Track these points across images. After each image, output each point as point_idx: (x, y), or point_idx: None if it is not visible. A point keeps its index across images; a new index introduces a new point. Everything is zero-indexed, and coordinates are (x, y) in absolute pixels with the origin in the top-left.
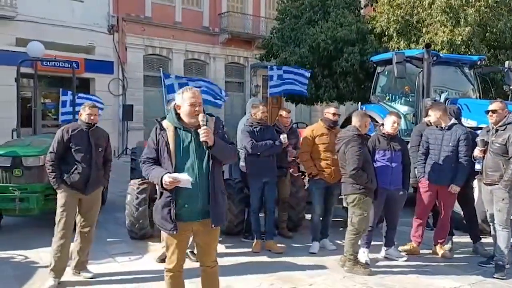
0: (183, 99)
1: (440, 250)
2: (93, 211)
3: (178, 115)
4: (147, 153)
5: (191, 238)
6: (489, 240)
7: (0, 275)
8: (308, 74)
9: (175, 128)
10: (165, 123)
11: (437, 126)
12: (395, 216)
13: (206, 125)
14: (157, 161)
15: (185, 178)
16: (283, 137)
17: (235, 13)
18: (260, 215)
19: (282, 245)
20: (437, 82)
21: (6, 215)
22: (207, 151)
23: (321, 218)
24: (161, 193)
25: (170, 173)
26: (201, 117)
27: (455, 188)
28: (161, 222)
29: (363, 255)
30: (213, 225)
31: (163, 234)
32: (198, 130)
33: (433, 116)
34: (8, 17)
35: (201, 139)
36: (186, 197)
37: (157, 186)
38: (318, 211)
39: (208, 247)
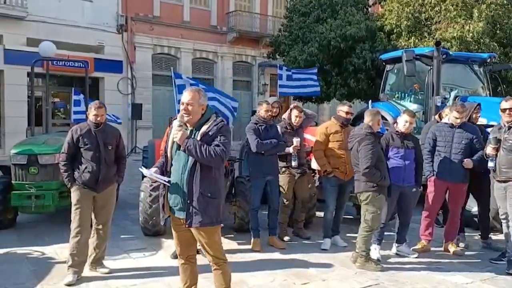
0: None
1: (451, 247)
2: (107, 208)
3: None
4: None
5: None
6: (499, 237)
7: (19, 271)
8: (315, 71)
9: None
10: (174, 122)
11: (453, 125)
12: (408, 213)
13: (181, 125)
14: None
15: (156, 177)
16: (297, 140)
17: (242, 12)
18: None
19: (294, 242)
20: (447, 80)
21: (22, 212)
22: (184, 152)
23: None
24: None
25: (158, 167)
26: (178, 116)
27: (468, 162)
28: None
29: (375, 251)
30: (186, 225)
31: None
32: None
33: (451, 117)
34: (19, 17)
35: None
36: (172, 192)
37: None
38: (331, 208)
39: (204, 246)
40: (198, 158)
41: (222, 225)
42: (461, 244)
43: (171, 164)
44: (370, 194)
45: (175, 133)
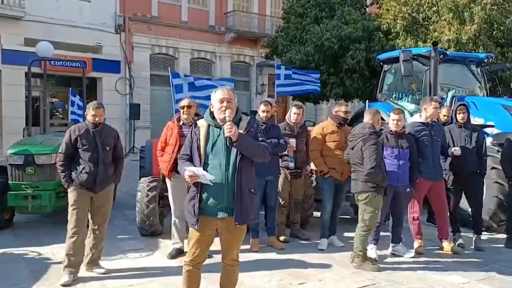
0: (214, 97)
1: (448, 245)
2: (104, 208)
3: (212, 114)
4: (183, 150)
5: None
6: (496, 236)
7: (15, 271)
8: (318, 76)
9: (208, 126)
10: (200, 121)
11: (428, 124)
12: (402, 212)
13: (231, 121)
14: (191, 158)
15: (202, 174)
16: (292, 141)
17: (241, 12)
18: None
19: (291, 242)
20: (444, 80)
21: (19, 212)
22: (236, 148)
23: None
24: (189, 187)
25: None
26: (227, 113)
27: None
28: (186, 215)
29: (371, 251)
30: (236, 223)
31: (174, 231)
32: (223, 126)
33: (432, 110)
34: (17, 17)
35: (225, 135)
36: (211, 192)
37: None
38: (328, 208)
39: (229, 245)
40: (251, 153)
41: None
42: (459, 243)
43: (206, 163)
44: (369, 195)
45: (229, 128)
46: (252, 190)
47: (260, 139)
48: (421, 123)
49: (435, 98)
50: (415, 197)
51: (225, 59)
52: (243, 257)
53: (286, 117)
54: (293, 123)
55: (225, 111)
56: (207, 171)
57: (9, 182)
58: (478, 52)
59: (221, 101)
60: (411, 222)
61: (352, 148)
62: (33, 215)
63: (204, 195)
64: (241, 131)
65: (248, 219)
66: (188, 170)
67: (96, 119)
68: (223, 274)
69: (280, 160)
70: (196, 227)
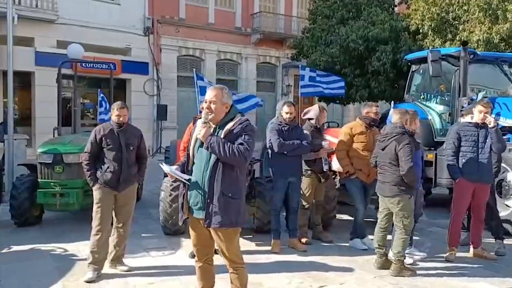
0: None
1: (485, 252)
2: (128, 207)
3: None
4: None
5: None
6: None
7: (42, 267)
8: (343, 82)
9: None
10: (199, 120)
11: (478, 125)
12: (417, 213)
13: (205, 122)
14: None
15: (179, 174)
16: (326, 143)
17: (267, 13)
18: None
19: (313, 244)
20: (474, 80)
21: (47, 209)
22: (207, 150)
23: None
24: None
25: (180, 166)
26: (203, 114)
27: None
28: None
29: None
30: (205, 225)
31: None
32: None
33: (476, 114)
34: (50, 20)
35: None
36: (192, 192)
37: None
38: (361, 208)
39: (221, 249)
40: (220, 156)
41: (240, 229)
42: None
43: (193, 163)
44: (405, 197)
45: (199, 130)
46: (229, 194)
47: (239, 141)
48: (469, 123)
49: (482, 101)
50: (457, 203)
51: (251, 60)
52: (264, 258)
53: (312, 116)
54: (319, 123)
55: (209, 111)
56: (192, 170)
57: (39, 180)
58: (510, 52)
59: (205, 102)
60: (449, 229)
61: (383, 149)
62: (61, 213)
63: (188, 194)
64: (223, 132)
65: (222, 223)
66: (164, 169)
67: (120, 119)
68: (229, 277)
69: (312, 163)
70: (180, 223)
